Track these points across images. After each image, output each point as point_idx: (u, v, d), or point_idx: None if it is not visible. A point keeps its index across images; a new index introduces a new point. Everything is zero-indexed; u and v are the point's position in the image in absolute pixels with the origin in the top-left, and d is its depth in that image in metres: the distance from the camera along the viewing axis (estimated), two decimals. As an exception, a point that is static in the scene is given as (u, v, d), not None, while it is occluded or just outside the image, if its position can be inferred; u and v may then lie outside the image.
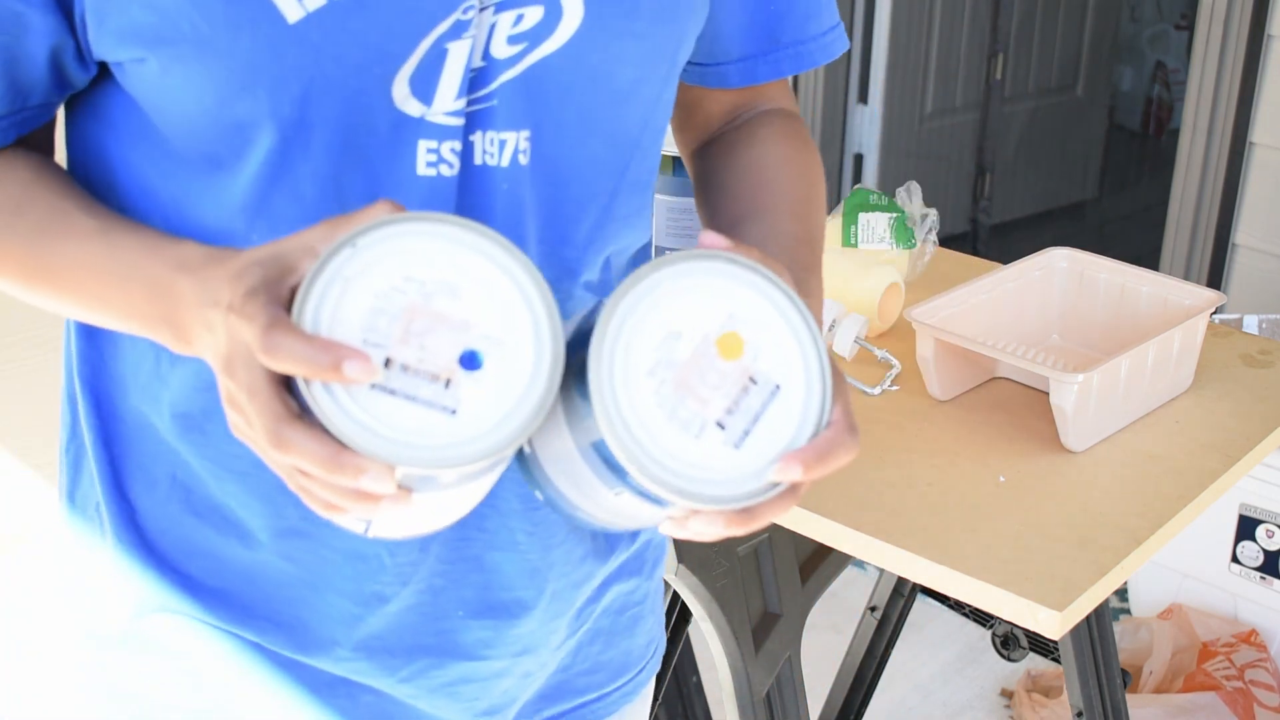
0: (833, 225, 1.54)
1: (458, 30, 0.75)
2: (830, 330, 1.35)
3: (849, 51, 3.60)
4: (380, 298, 0.60)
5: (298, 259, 0.63)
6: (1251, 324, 2.27)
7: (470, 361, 0.61)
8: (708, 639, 1.30)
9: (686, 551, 1.22)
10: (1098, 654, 1.58)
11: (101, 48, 0.74)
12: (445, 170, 0.78)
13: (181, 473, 0.85)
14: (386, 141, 0.76)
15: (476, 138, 0.78)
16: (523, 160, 0.79)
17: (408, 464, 0.60)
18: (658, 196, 1.51)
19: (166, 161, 0.78)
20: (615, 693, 1.02)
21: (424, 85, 0.75)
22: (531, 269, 0.62)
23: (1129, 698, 1.98)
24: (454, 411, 0.60)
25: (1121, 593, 2.42)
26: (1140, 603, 2.35)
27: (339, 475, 0.60)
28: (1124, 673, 1.66)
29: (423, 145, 0.77)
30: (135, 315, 0.73)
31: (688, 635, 1.47)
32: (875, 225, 1.52)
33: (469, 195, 0.79)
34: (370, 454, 0.59)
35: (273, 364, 0.60)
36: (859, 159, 3.73)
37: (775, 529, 1.25)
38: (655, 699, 1.40)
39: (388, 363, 0.60)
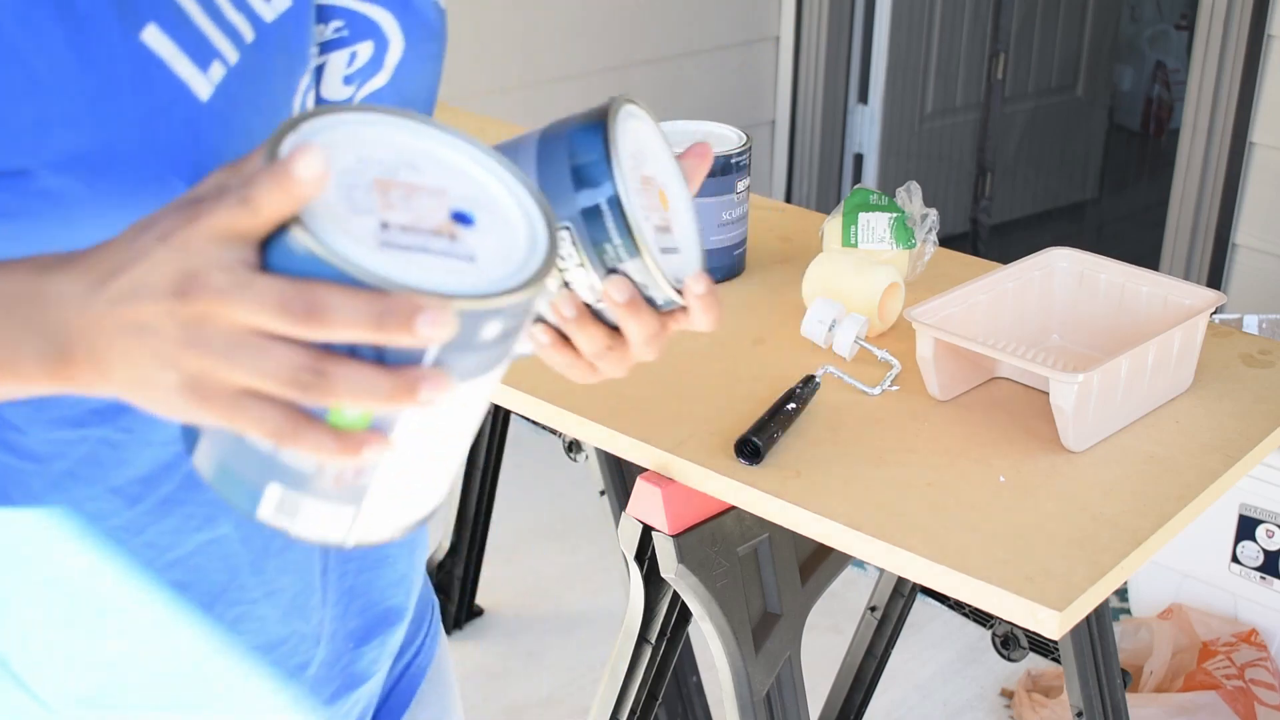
0: (833, 225, 1.54)
1: (307, 78, 0.73)
2: (830, 330, 1.35)
3: (849, 51, 3.61)
4: (346, 174, 0.55)
5: (208, 193, 0.54)
6: (1251, 324, 2.27)
7: (463, 219, 0.57)
8: (708, 639, 1.30)
9: (687, 551, 1.23)
10: (1098, 654, 1.58)
11: None
12: None
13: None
14: None
15: None
16: None
17: (469, 294, 0.53)
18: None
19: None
20: (428, 638, 1.02)
21: None
22: (471, 139, 0.60)
23: (1129, 697, 1.98)
24: (473, 259, 0.56)
25: (1121, 593, 2.42)
26: (1140, 603, 2.35)
27: (393, 325, 0.51)
28: (1124, 673, 1.66)
29: None
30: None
31: (688, 635, 1.47)
32: (875, 225, 1.52)
33: None
34: (418, 289, 0.52)
35: (256, 219, 0.52)
36: (859, 159, 3.73)
37: (775, 529, 1.25)
38: (655, 699, 1.40)
39: (384, 225, 0.54)
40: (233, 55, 0.67)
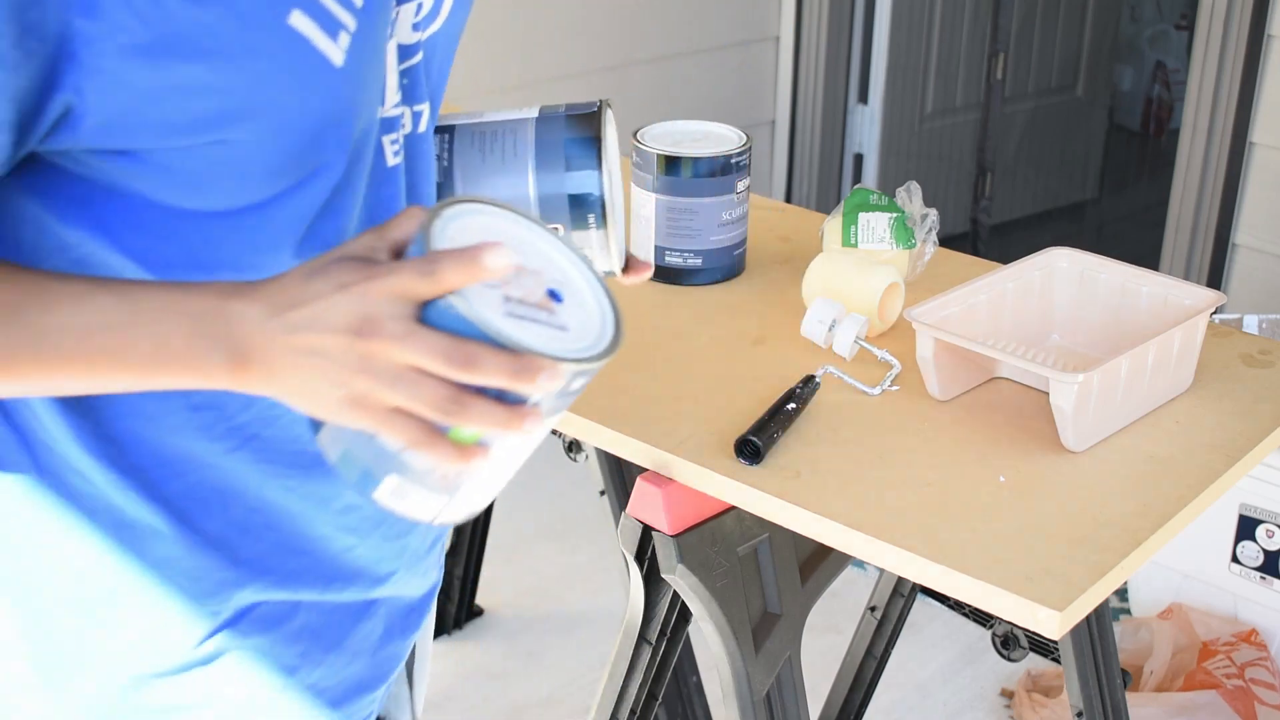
0: (833, 225, 1.54)
1: (390, 29, 0.85)
2: (830, 330, 1.35)
3: (849, 51, 3.61)
4: None
5: (366, 252, 0.73)
6: (1251, 324, 2.27)
7: (555, 296, 0.74)
8: (708, 639, 1.30)
9: (687, 551, 1.23)
10: (1098, 654, 1.58)
11: (114, 140, 0.74)
12: (400, 155, 0.90)
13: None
14: (374, 147, 0.87)
15: (405, 117, 0.90)
16: (424, 126, 0.92)
17: (574, 358, 0.71)
18: (657, 196, 1.51)
19: (177, 223, 0.81)
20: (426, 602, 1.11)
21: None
22: (549, 229, 0.78)
23: (1129, 697, 1.98)
24: (566, 329, 0.73)
25: (1121, 593, 2.42)
26: (1140, 603, 2.35)
27: (523, 378, 0.69)
28: (1124, 673, 1.66)
29: (387, 140, 0.88)
30: (169, 359, 0.75)
31: (688, 635, 1.47)
32: (875, 225, 1.52)
33: (412, 168, 0.92)
34: (543, 353, 0.70)
35: (435, 288, 0.69)
36: (859, 159, 3.73)
37: (775, 529, 1.25)
38: (655, 699, 1.40)
39: (506, 299, 0.72)
40: (352, 23, 0.79)
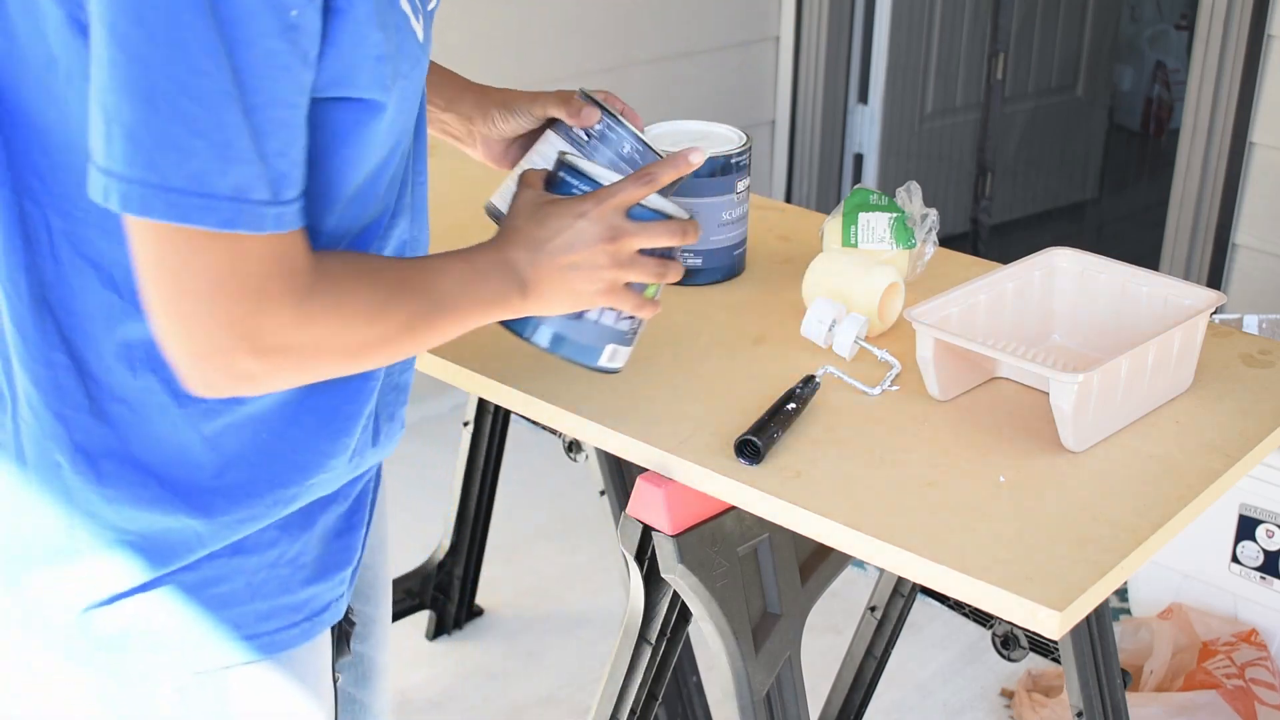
0: (833, 225, 1.54)
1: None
2: (830, 330, 1.35)
3: (849, 51, 3.61)
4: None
5: (589, 197, 1.07)
6: (1251, 324, 2.27)
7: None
8: (708, 639, 1.30)
9: (687, 551, 1.23)
10: (1098, 654, 1.58)
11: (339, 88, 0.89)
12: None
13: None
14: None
15: None
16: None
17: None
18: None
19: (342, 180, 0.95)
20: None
21: None
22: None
23: (1130, 697, 1.98)
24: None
25: (1121, 593, 2.42)
26: (1140, 603, 2.35)
27: (692, 233, 1.09)
28: (1124, 673, 1.66)
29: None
30: (495, 300, 1.01)
31: (688, 635, 1.47)
32: (875, 225, 1.51)
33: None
34: (691, 218, 1.12)
35: (652, 189, 1.08)
36: (859, 159, 3.73)
37: (775, 529, 1.25)
38: (655, 699, 1.40)
39: (660, 194, 1.12)
40: (431, 3, 0.97)
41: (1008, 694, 2.28)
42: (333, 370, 0.94)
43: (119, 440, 0.93)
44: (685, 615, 1.36)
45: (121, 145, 0.79)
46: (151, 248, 0.83)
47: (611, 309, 1.11)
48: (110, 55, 0.78)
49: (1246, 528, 2.17)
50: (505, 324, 1.09)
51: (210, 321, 0.84)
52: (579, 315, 1.11)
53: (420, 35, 0.93)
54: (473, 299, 1.00)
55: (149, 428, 0.93)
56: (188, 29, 0.77)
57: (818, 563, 1.34)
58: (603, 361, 1.14)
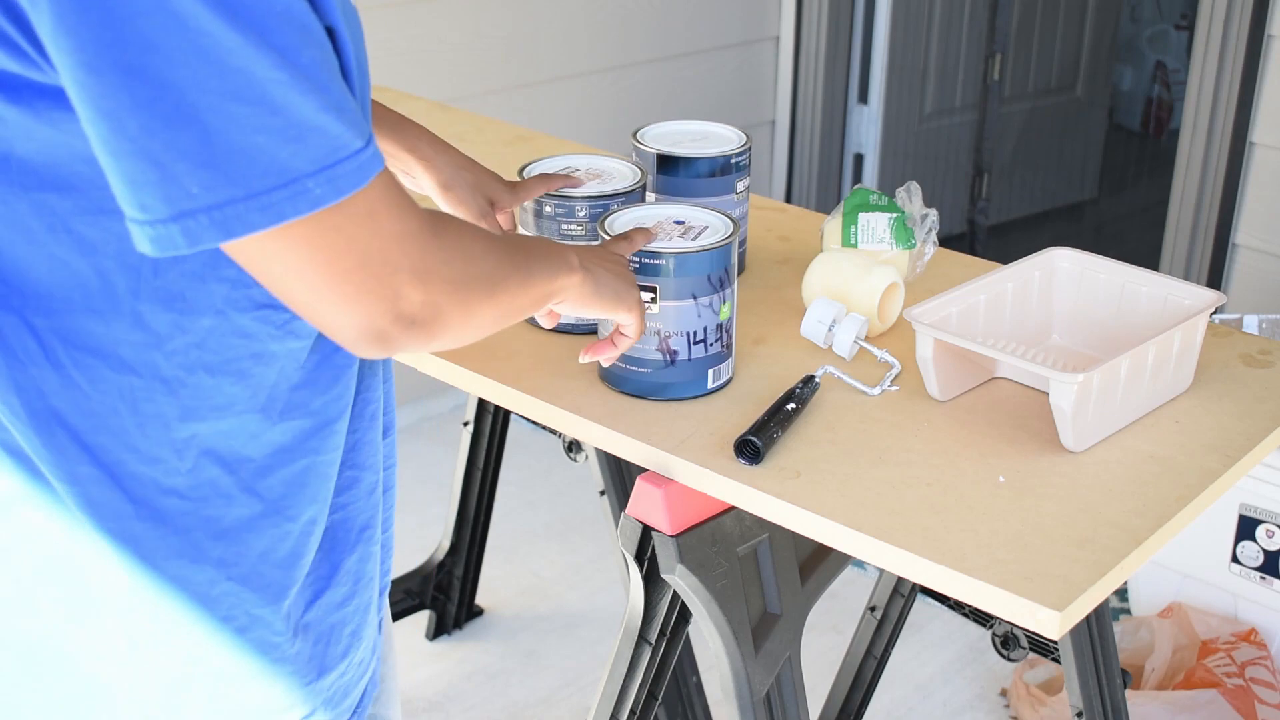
0: (833, 225, 1.54)
1: None
2: (830, 330, 1.35)
3: (849, 52, 3.61)
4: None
5: (604, 245, 1.22)
6: (1251, 324, 2.27)
7: (679, 222, 1.31)
8: (708, 639, 1.30)
9: (686, 551, 1.23)
10: (1098, 654, 1.58)
11: None
12: None
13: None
14: None
15: None
16: None
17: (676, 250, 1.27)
18: (657, 196, 1.51)
19: None
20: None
21: None
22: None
23: (1130, 695, 1.98)
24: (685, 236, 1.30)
25: (1121, 593, 2.42)
26: (1140, 603, 2.35)
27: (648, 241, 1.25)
28: (1124, 672, 1.66)
29: None
30: (559, 273, 1.08)
31: (688, 635, 1.47)
32: (875, 225, 1.52)
33: None
34: (665, 250, 1.26)
35: (633, 249, 1.24)
36: (859, 159, 3.73)
37: (775, 529, 1.25)
38: (655, 699, 1.40)
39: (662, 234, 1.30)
40: None
41: (1007, 693, 2.28)
42: (485, 306, 0.94)
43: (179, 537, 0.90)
44: (685, 615, 1.36)
45: (196, 175, 0.75)
46: (276, 258, 0.80)
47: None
48: (131, 99, 0.73)
49: (1246, 528, 2.17)
50: (672, 398, 1.28)
51: (372, 281, 0.83)
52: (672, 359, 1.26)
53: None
54: (549, 271, 1.07)
55: (208, 510, 0.91)
56: (202, 35, 0.73)
57: (817, 563, 1.34)
58: (711, 385, 1.31)
